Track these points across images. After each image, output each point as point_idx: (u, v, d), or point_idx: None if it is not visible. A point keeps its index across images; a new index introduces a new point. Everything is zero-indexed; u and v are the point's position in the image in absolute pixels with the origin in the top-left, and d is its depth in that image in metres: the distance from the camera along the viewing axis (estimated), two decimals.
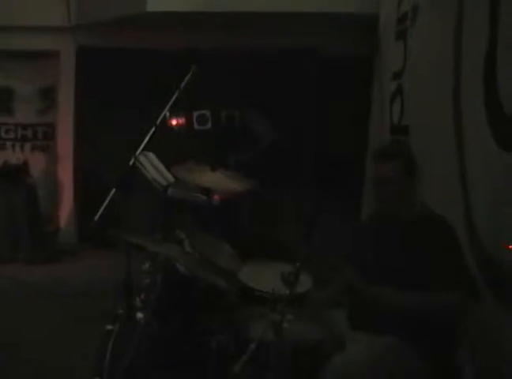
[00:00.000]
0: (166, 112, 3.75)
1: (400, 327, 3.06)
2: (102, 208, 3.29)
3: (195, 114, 8.02)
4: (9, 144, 8.61)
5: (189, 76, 3.73)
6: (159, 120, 3.62)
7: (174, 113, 7.67)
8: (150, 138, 3.64)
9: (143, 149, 3.68)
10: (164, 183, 4.88)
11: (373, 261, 3.33)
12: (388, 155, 3.38)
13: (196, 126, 8.05)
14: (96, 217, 3.31)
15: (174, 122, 7.65)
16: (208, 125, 8.04)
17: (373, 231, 3.52)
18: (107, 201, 3.37)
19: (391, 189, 3.25)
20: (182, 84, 3.70)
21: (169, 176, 5.02)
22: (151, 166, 5.08)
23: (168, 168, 5.09)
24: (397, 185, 3.24)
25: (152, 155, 5.20)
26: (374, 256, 3.35)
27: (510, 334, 3.22)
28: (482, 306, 3.35)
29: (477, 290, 3.10)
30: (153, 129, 3.60)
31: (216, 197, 4.80)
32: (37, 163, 8.55)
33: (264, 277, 3.64)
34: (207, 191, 4.73)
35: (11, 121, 8.64)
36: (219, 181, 4.19)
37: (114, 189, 3.42)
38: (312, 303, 3.52)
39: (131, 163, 3.52)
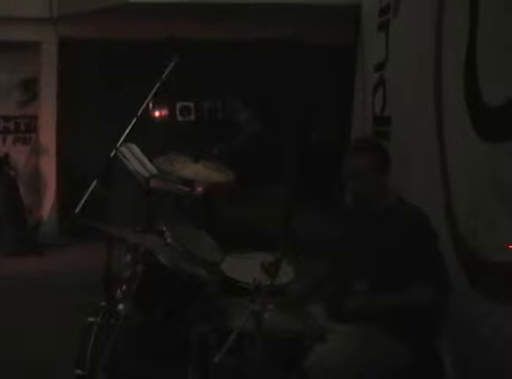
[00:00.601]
0: (148, 102, 3.73)
1: (379, 316, 3.08)
2: (83, 200, 3.27)
3: (178, 105, 8.01)
4: None
5: (171, 65, 3.72)
6: (140, 111, 3.60)
7: (157, 104, 7.66)
8: (132, 129, 3.63)
9: (124, 140, 3.66)
10: (147, 174, 4.87)
11: (349, 253, 3.35)
12: (359, 149, 3.43)
13: (179, 118, 8.04)
14: (78, 209, 3.30)
15: (157, 114, 7.63)
16: (192, 117, 8.03)
17: (348, 223, 3.54)
18: (88, 193, 3.35)
19: (361, 182, 3.27)
20: (164, 74, 3.68)
21: (151, 167, 5.01)
22: (133, 157, 5.06)
23: (151, 160, 5.07)
24: (366, 178, 3.27)
25: (134, 147, 5.18)
26: (349, 247, 3.37)
27: (489, 322, 3.25)
28: (462, 296, 3.38)
29: (448, 280, 3.12)
30: (135, 120, 3.58)
31: (198, 189, 4.80)
32: (19, 156, 8.50)
33: (245, 268, 3.65)
34: (189, 182, 4.74)
35: None
36: (201, 172, 4.19)
37: (95, 181, 3.40)
38: (292, 294, 3.53)
39: (112, 154, 3.50)
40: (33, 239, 7.89)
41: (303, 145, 7.96)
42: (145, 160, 5.17)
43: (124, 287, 3.60)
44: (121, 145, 3.67)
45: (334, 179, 7.22)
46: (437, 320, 3.26)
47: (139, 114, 3.58)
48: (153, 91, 3.68)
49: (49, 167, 8.41)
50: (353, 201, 3.58)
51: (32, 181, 8.46)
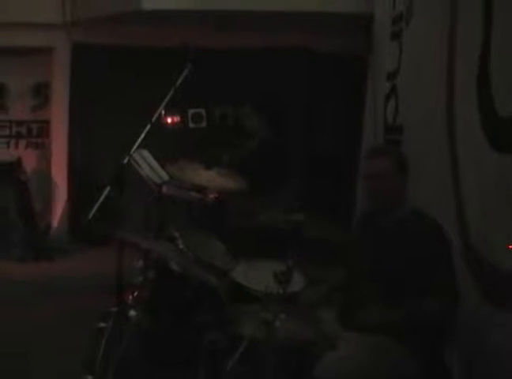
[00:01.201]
0: (161, 110, 3.74)
1: (389, 326, 3.08)
2: (96, 206, 3.28)
3: (190, 112, 8.03)
4: (3, 140, 8.59)
5: (185, 73, 3.72)
6: (154, 117, 3.61)
7: (169, 111, 7.68)
8: (145, 136, 3.63)
9: (138, 147, 3.67)
10: (159, 181, 4.88)
11: (363, 262, 3.35)
12: (380, 151, 3.46)
13: (191, 125, 8.05)
14: (90, 215, 3.30)
15: (169, 120, 7.65)
16: (203, 124, 8.04)
17: (363, 232, 3.54)
18: (100, 199, 3.36)
19: (380, 185, 3.27)
20: (178, 82, 3.69)
21: (163, 174, 5.02)
22: (145, 164, 5.07)
23: (163, 166, 5.08)
24: (386, 181, 3.26)
25: (146, 153, 5.19)
26: (364, 257, 3.36)
27: (497, 332, 3.24)
28: (473, 305, 3.37)
29: (459, 290, 3.11)
30: (148, 126, 3.59)
31: (210, 196, 4.80)
32: (31, 161, 8.53)
33: (256, 276, 3.65)
34: (201, 189, 4.74)
35: (5, 117, 8.61)
36: (213, 179, 4.19)
37: (108, 187, 3.41)
38: (304, 302, 3.53)
39: (125, 160, 3.51)
40: (43, 244, 7.89)
41: (314, 153, 7.95)
42: (157, 167, 5.19)
43: (135, 293, 3.61)
44: (134, 151, 3.67)
45: (345, 187, 7.29)
46: (447, 331, 3.25)
47: (153, 120, 3.59)
48: (167, 99, 3.69)
49: (60, 172, 8.43)
50: (369, 210, 3.58)
51: (43, 186, 8.48)
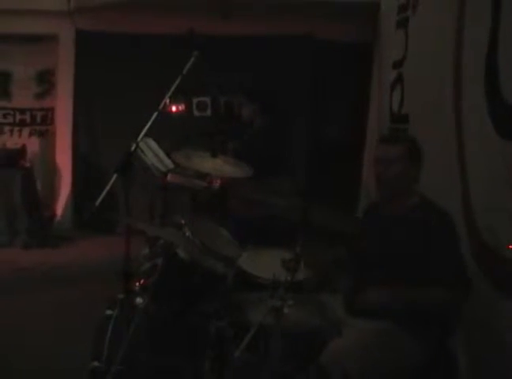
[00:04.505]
0: (167, 98, 3.73)
1: (395, 313, 3.08)
2: (103, 194, 3.27)
3: (195, 100, 8.02)
4: (7, 128, 8.57)
5: (191, 61, 3.71)
6: (161, 105, 3.59)
7: (174, 99, 7.67)
8: (151, 124, 3.62)
9: (144, 135, 3.66)
10: (164, 169, 4.88)
11: (372, 250, 3.34)
12: (394, 137, 3.44)
13: (196, 113, 8.05)
14: (98, 202, 3.30)
15: (173, 109, 7.64)
16: (208, 112, 8.04)
17: (372, 220, 3.53)
18: (107, 187, 3.36)
19: (392, 170, 3.25)
20: (185, 70, 3.68)
21: (169, 162, 5.03)
22: (151, 152, 5.09)
23: (168, 154, 5.09)
24: (398, 167, 3.24)
25: (151, 142, 5.20)
26: (372, 245, 3.36)
27: (502, 320, 3.24)
28: (478, 293, 3.37)
29: (469, 281, 3.10)
30: (155, 114, 3.58)
31: (215, 183, 4.81)
32: (35, 148, 8.52)
33: (263, 263, 3.65)
34: (206, 177, 4.74)
35: (9, 105, 8.59)
36: (219, 167, 4.19)
37: (115, 175, 3.40)
38: (309, 288, 3.53)
39: (132, 148, 3.50)
40: (48, 231, 7.92)
41: (319, 142, 7.95)
42: (162, 155, 5.20)
43: (142, 280, 3.62)
44: (140, 140, 3.66)
45: (349, 175, 7.30)
46: (452, 319, 3.25)
47: (160, 108, 3.57)
48: (174, 87, 3.67)
49: (65, 160, 8.43)
50: (377, 196, 3.57)
51: (48, 174, 8.48)
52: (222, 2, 7.03)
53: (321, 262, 3.71)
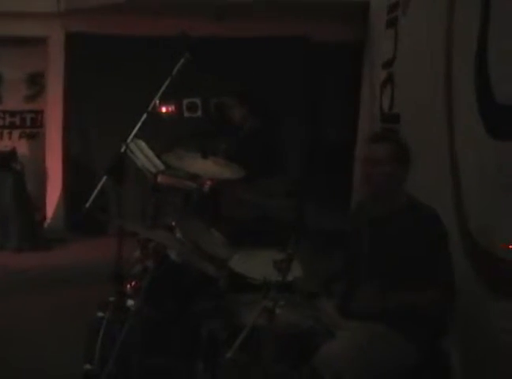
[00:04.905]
0: (157, 99, 3.72)
1: (388, 315, 3.08)
2: (93, 195, 3.27)
3: (185, 101, 8.01)
4: None
5: (181, 63, 3.70)
6: (151, 106, 3.59)
7: (163, 100, 7.65)
8: (141, 125, 3.61)
9: (134, 136, 3.65)
10: (154, 170, 4.86)
11: (362, 252, 3.34)
12: (382, 137, 3.42)
13: (186, 114, 8.04)
14: (88, 204, 3.29)
15: (164, 110, 7.62)
16: (198, 113, 8.03)
17: (360, 220, 3.53)
18: (97, 188, 3.35)
19: (380, 171, 3.25)
20: (174, 71, 3.67)
21: (159, 163, 5.01)
22: (141, 153, 5.06)
23: (158, 155, 5.07)
24: (386, 167, 3.24)
25: (142, 143, 5.18)
26: (362, 246, 3.36)
27: (494, 320, 3.25)
28: (471, 293, 3.38)
29: (454, 281, 3.10)
30: (144, 116, 3.57)
31: (206, 185, 4.80)
32: (25, 151, 8.50)
33: (255, 264, 3.65)
34: (197, 178, 4.73)
35: None
36: (210, 168, 4.18)
37: (105, 177, 3.39)
38: (302, 290, 3.52)
39: (123, 150, 3.49)
40: (40, 234, 7.89)
41: (311, 142, 7.96)
42: (153, 156, 5.18)
43: (134, 282, 3.60)
44: (130, 141, 3.65)
45: (341, 175, 7.30)
46: (444, 320, 3.25)
47: (149, 109, 3.57)
48: (163, 88, 3.67)
49: (55, 162, 8.40)
50: (365, 196, 3.56)
51: (39, 177, 8.45)
52: (216, 4, 7.02)
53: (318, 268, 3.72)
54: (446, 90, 4.14)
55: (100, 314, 3.48)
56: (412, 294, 3.05)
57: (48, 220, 8.34)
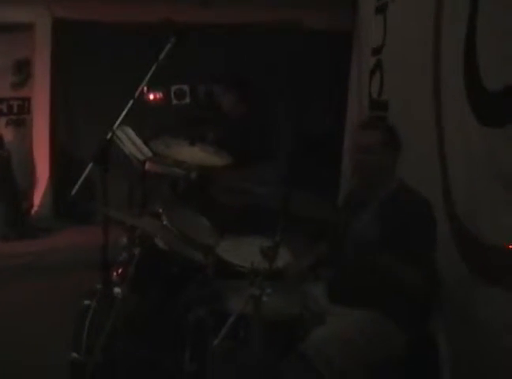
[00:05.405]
0: (144, 86, 3.68)
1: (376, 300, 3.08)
2: (79, 183, 3.23)
3: (173, 88, 7.96)
4: None
5: (167, 48, 3.66)
6: (136, 94, 3.55)
7: (151, 87, 7.61)
8: (127, 112, 3.58)
9: (120, 123, 3.62)
10: (142, 158, 4.84)
11: (351, 236, 3.33)
12: (372, 124, 3.42)
13: (174, 101, 7.99)
14: (73, 191, 3.26)
15: (151, 97, 7.58)
16: (187, 100, 7.99)
17: (351, 208, 3.52)
18: (83, 176, 3.32)
19: (370, 158, 3.24)
20: (161, 56, 3.63)
21: (147, 151, 4.99)
22: (128, 140, 5.04)
23: (146, 143, 5.05)
24: (376, 153, 3.23)
25: (129, 130, 5.15)
26: (352, 231, 3.35)
27: (482, 305, 3.25)
28: (459, 280, 3.38)
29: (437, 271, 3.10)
30: (131, 102, 3.54)
31: (193, 172, 4.78)
32: (12, 138, 8.43)
33: (242, 251, 3.64)
34: (185, 165, 4.71)
35: None
36: (197, 155, 4.17)
37: (91, 164, 3.36)
38: (290, 276, 3.52)
39: (108, 136, 3.46)
40: (27, 222, 7.85)
41: (299, 130, 7.94)
42: (140, 143, 5.15)
43: (120, 270, 3.59)
44: (116, 128, 3.62)
45: (330, 163, 7.29)
46: (433, 304, 3.25)
47: (136, 96, 3.53)
48: (149, 74, 3.63)
49: (42, 150, 8.33)
50: (356, 183, 3.55)
51: (26, 164, 8.39)
52: None
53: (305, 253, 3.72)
54: (435, 77, 4.13)
55: (87, 302, 3.46)
56: (398, 267, 3.03)
57: (35, 208, 8.29)
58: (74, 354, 3.30)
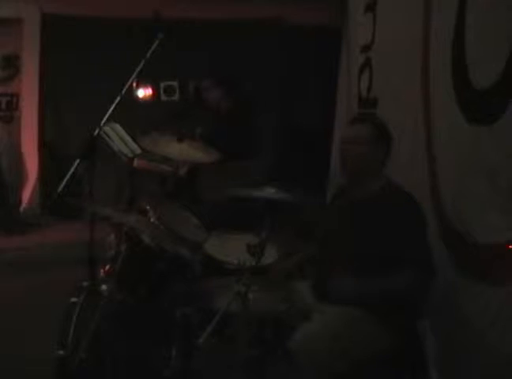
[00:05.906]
0: (132, 82, 3.68)
1: (363, 299, 3.08)
2: (65, 179, 3.23)
3: (162, 84, 7.94)
4: None
5: (155, 45, 3.66)
6: (124, 90, 3.55)
7: (140, 84, 7.60)
8: (115, 108, 3.57)
9: (108, 120, 3.61)
10: (130, 154, 4.83)
11: (336, 235, 3.33)
12: (362, 119, 3.42)
13: (163, 97, 7.97)
14: (60, 188, 3.25)
15: (140, 93, 7.56)
16: (176, 97, 7.97)
17: (339, 204, 3.51)
18: (70, 172, 3.31)
19: (359, 151, 3.23)
20: (148, 53, 3.63)
21: (135, 147, 4.98)
22: (117, 137, 5.03)
23: (134, 139, 5.04)
24: (365, 149, 3.22)
25: (117, 126, 5.14)
26: (338, 229, 3.35)
27: (470, 304, 3.26)
28: (447, 278, 3.39)
29: (433, 265, 3.09)
30: (118, 99, 3.53)
31: (182, 168, 4.78)
32: (0, 134, 8.39)
33: (229, 248, 3.64)
34: (173, 162, 4.70)
35: None
36: (185, 152, 4.16)
37: (77, 160, 3.35)
38: (277, 274, 3.52)
39: (96, 133, 3.45)
40: (15, 218, 7.82)
41: (288, 126, 7.94)
42: (129, 140, 5.14)
43: (107, 267, 3.57)
44: (104, 124, 3.61)
45: (318, 160, 7.29)
46: (420, 304, 3.26)
47: (123, 92, 3.53)
48: (138, 70, 3.62)
49: (30, 146, 8.29)
50: (344, 183, 3.55)
51: (14, 160, 8.35)
52: None
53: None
54: (423, 75, 4.13)
55: (74, 299, 3.45)
56: (388, 280, 3.04)
57: (24, 204, 8.25)
58: (60, 351, 3.28)
